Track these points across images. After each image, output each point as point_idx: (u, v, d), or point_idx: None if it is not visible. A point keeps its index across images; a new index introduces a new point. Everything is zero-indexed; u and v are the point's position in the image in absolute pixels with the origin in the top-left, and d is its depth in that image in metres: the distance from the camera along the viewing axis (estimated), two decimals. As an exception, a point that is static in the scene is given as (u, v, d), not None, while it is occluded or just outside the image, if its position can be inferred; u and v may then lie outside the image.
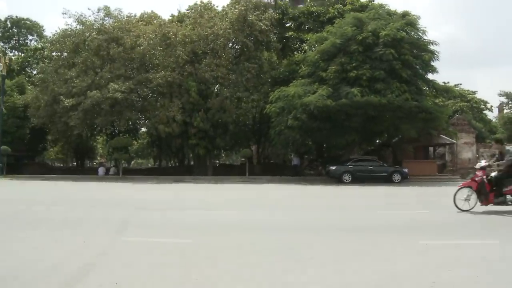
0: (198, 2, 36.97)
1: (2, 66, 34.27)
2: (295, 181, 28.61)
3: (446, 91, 31.88)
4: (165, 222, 9.84)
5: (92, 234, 8.12)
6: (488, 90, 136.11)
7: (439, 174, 36.46)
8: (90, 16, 36.46)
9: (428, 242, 7.31)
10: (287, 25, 38.04)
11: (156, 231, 8.69)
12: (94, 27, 35.33)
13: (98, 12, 36.53)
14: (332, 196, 18.59)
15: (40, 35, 57.32)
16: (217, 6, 37.67)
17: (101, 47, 33.44)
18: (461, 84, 57.26)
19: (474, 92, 57.31)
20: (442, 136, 34.71)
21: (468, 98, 54.93)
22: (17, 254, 6.46)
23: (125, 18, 36.38)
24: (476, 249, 6.91)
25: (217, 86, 34.67)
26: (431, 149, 38.50)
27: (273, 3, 37.81)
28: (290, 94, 27.36)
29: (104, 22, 35.95)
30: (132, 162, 75.53)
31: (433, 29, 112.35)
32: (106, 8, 36.71)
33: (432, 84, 29.43)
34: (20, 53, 55.13)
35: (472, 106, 54.53)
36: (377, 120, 27.87)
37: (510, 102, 51.26)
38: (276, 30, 36.13)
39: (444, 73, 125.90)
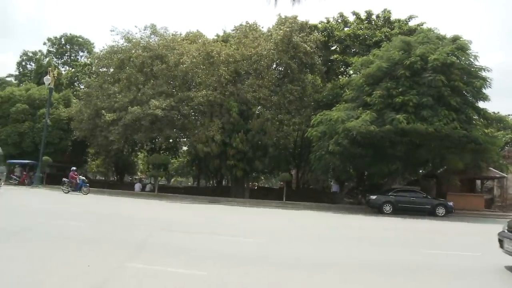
0: (244, 23, 36.81)
1: (50, 79, 35.07)
2: (333, 209, 27.42)
3: (498, 121, 29.89)
4: (184, 247, 9.07)
5: (102, 256, 7.49)
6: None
7: (486, 209, 34.50)
8: (136, 33, 36.93)
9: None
10: (333, 48, 37.21)
11: (171, 257, 7.95)
12: (140, 44, 35.62)
13: (145, 30, 36.97)
14: (370, 227, 17.35)
15: (90, 51, 58.74)
16: (262, 27, 37.38)
17: (145, 63, 33.59)
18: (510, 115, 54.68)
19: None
20: (491, 169, 32.76)
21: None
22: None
23: (171, 36, 36.56)
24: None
25: (258, 107, 34.08)
26: (478, 182, 36.45)
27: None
28: (333, 118, 26.37)
29: (150, 40, 36.25)
30: (172, 180, 75.96)
31: (482, 56, 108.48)
32: (153, 26, 37.11)
33: (483, 113, 27.58)
34: (70, 68, 56.69)
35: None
36: (422, 149, 26.39)
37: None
38: (321, 52, 35.29)
39: (494, 102, 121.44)
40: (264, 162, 33.72)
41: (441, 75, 24.96)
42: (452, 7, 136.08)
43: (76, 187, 27.11)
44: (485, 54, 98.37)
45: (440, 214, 25.47)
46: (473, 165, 28.78)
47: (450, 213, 25.85)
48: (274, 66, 35.18)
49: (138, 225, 12.47)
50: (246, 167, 32.66)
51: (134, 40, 36.37)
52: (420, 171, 34.70)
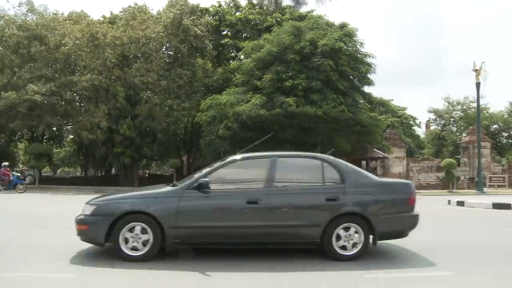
0: (132, 5, 35.29)
1: None
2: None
3: (382, 105, 31.63)
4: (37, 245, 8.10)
5: None
6: (416, 107, 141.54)
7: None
8: (9, 9, 33.97)
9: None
10: (224, 32, 37.07)
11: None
12: (15, 22, 32.57)
13: (20, 6, 34.00)
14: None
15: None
16: (151, 9, 36.17)
17: (21, 44, 30.71)
18: (392, 99, 58.72)
19: (404, 108, 58.99)
20: (375, 150, 34.84)
21: (399, 114, 56.41)
22: None
23: (51, 16, 33.91)
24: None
25: (147, 92, 32.81)
26: (363, 162, 38.60)
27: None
28: (222, 102, 26.17)
29: (27, 18, 33.32)
30: (59, 171, 71.81)
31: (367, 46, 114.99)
32: (30, 3, 34.17)
33: (368, 97, 29.08)
34: None
35: (402, 122, 55.98)
36: (311, 132, 27.19)
37: (437, 119, 53.03)
38: (212, 36, 34.96)
39: (377, 89, 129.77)
40: (153, 148, 32.90)
41: (329, 60, 25.76)
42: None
43: (9, 185, 24.63)
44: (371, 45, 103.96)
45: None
46: (359, 147, 30.32)
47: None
48: (163, 49, 34.18)
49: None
50: (134, 154, 31.53)
51: (6, 17, 33.22)
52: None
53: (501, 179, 38.03)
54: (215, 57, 36.44)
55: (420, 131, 60.66)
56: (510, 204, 15.40)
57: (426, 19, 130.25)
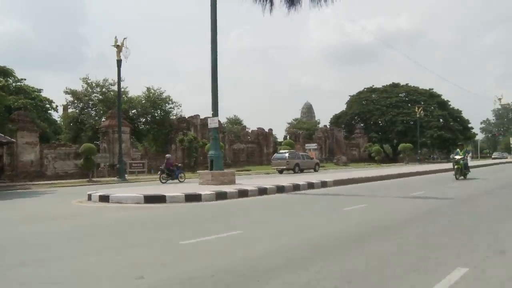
0: None
1: None
2: None
3: (2, 72, 24.93)
4: None
5: None
6: (55, 93, 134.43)
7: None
8: None
9: None
10: None
11: None
12: None
13: None
14: None
15: None
16: None
17: None
18: (25, 79, 51.52)
19: (39, 90, 52.56)
20: (-3, 133, 28.40)
21: (33, 96, 49.79)
22: None
23: None
24: None
25: None
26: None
27: None
28: None
29: None
30: None
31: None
32: None
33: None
34: None
35: (37, 105, 49.63)
36: None
37: (75, 101, 48.73)
38: None
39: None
40: None
41: None
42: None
43: (174, 175, 24.38)
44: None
45: None
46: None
47: None
48: None
49: None
50: None
51: None
52: None
53: (141, 165, 37.20)
54: None
55: (58, 116, 55.37)
56: (164, 196, 12.85)
57: (66, 2, 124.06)
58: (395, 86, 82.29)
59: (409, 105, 76.10)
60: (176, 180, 23.98)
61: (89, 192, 14.81)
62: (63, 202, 14.46)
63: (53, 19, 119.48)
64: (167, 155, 27.16)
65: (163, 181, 23.89)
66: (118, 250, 6.32)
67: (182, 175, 24.74)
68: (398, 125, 74.78)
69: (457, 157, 21.77)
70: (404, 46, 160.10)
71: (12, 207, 14.23)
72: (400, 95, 79.89)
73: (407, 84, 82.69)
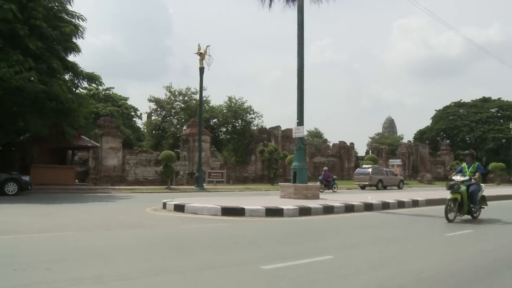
0: None
1: None
2: None
3: (90, 78, 25.05)
4: None
5: None
6: (139, 102, 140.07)
7: (80, 183, 30.69)
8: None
9: None
10: None
11: None
12: None
13: None
14: None
15: None
16: None
17: None
18: (113, 88, 53.54)
19: (126, 99, 54.42)
20: (84, 137, 28.86)
21: (120, 104, 51.56)
22: None
23: None
24: None
25: None
26: (70, 152, 32.09)
27: None
28: None
29: None
30: None
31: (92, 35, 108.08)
32: None
33: (71, 66, 22.69)
34: None
35: (123, 112, 51.34)
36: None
37: (158, 109, 49.85)
38: None
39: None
40: None
41: (13, 4, 18.69)
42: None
43: (329, 186, 28.10)
44: (97, 34, 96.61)
45: (10, 192, 19.36)
46: (58, 131, 23.52)
47: (26, 190, 20.11)
48: None
49: None
50: None
51: None
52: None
53: (219, 174, 36.74)
54: None
55: (141, 124, 57.01)
56: (243, 209, 11.76)
57: (154, 17, 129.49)
58: (485, 100, 76.59)
59: (501, 121, 70.75)
60: (331, 190, 27.32)
61: (164, 200, 14.03)
62: (138, 209, 13.80)
63: (142, 33, 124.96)
64: (324, 167, 32.35)
65: (321, 190, 24.74)
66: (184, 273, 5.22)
67: (335, 185, 28.49)
68: (488, 143, 69.50)
69: (458, 177, 11.33)
70: (495, 58, 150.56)
71: (87, 211, 13.78)
72: (491, 110, 74.37)
73: (499, 98, 76.37)
